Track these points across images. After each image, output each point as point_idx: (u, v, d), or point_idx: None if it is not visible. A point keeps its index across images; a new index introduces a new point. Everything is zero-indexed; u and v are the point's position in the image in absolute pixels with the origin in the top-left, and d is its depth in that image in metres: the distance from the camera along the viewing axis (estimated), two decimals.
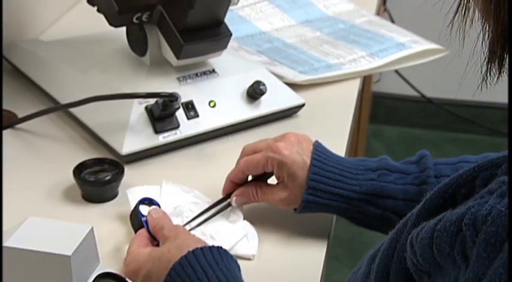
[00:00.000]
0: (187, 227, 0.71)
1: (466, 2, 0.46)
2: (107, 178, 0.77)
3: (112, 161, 0.79)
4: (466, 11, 0.46)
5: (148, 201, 0.71)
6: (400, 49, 1.10)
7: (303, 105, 0.95)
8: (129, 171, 0.79)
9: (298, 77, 1.02)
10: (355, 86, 1.04)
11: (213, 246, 0.60)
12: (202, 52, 0.88)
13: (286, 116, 0.95)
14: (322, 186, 0.69)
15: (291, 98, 0.95)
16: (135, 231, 0.68)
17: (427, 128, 2.28)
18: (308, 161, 0.70)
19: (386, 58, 1.08)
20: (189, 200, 0.74)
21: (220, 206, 0.73)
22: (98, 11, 0.87)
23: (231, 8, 0.88)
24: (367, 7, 1.27)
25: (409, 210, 0.53)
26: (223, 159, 0.86)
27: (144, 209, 0.70)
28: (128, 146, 0.82)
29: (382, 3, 1.89)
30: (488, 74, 0.47)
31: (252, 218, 0.74)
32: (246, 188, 0.73)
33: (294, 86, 0.99)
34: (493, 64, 0.46)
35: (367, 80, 1.82)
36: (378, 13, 1.35)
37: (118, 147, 0.82)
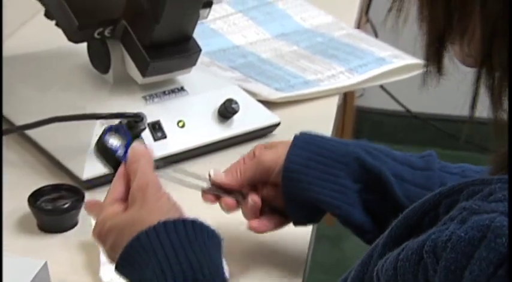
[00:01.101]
0: None
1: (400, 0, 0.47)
2: (66, 206, 0.76)
3: (71, 187, 0.78)
4: (400, 8, 0.47)
5: (116, 130, 0.61)
6: (381, 64, 1.10)
7: (279, 124, 0.95)
8: (90, 197, 0.78)
9: (274, 95, 1.02)
10: (333, 103, 1.04)
11: (178, 219, 0.56)
12: (170, 69, 0.87)
13: (260, 135, 0.94)
14: (311, 137, 0.69)
15: (265, 117, 0.95)
16: (111, 168, 0.61)
17: (412, 144, 2.30)
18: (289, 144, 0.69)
19: (365, 74, 1.08)
20: None
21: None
22: (57, 25, 0.86)
23: (202, 20, 0.87)
24: (346, 19, 1.27)
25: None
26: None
27: (113, 141, 0.61)
28: (89, 170, 0.81)
29: (365, 14, 1.90)
30: (427, 79, 0.47)
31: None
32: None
33: (268, 103, 0.98)
34: (430, 69, 0.47)
35: (350, 94, 1.82)
36: (359, 24, 1.35)
37: (78, 172, 0.81)
